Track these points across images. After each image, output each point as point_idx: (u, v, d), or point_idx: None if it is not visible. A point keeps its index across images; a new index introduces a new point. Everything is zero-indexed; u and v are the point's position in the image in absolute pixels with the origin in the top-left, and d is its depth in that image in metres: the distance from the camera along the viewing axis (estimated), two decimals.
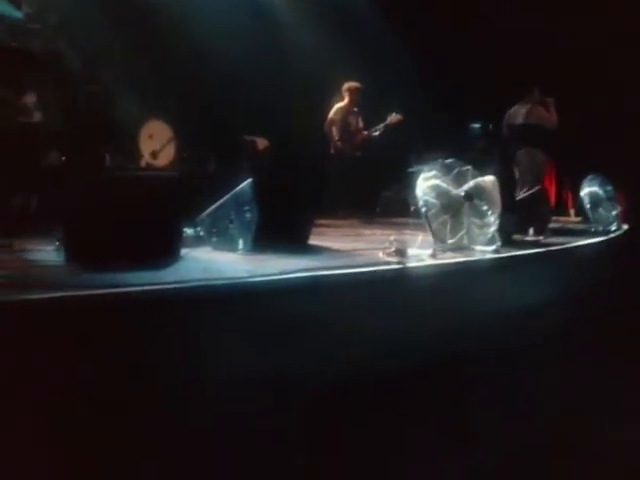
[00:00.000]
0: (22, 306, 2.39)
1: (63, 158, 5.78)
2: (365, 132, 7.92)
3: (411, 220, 5.73)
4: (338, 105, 7.93)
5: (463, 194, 4.48)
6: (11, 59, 2.82)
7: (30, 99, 4.88)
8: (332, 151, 7.97)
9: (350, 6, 8.63)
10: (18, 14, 3.06)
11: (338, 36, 8.19)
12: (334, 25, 8.37)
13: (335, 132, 7.89)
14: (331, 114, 7.91)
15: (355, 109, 7.94)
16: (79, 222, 3.47)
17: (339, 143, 7.88)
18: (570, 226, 7.71)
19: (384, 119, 7.83)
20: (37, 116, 5.04)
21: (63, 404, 2.10)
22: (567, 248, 5.48)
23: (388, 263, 3.77)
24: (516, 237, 5.53)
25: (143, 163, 6.80)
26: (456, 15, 8.48)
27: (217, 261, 3.75)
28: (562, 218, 8.80)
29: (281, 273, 3.12)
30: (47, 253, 3.69)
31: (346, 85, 7.86)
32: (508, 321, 3.69)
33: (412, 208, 6.00)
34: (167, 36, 6.95)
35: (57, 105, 5.65)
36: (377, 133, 7.88)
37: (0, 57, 2.77)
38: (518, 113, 7.77)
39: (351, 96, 7.84)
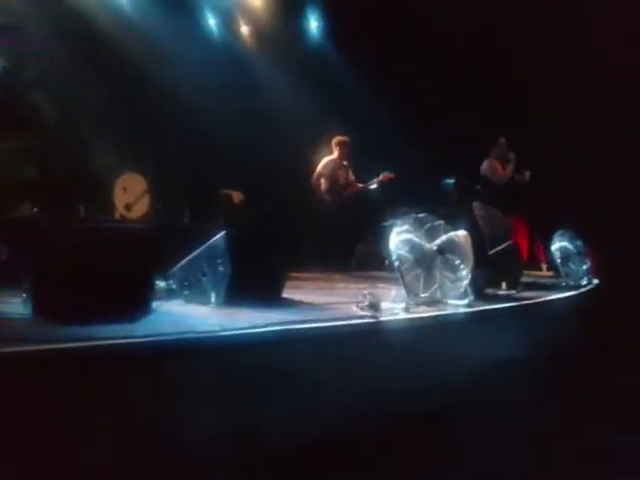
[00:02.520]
0: None
1: (35, 209, 5.75)
2: (360, 185, 8.00)
3: (385, 274, 5.76)
4: (327, 158, 8.00)
5: (436, 248, 4.52)
6: None
7: None
8: (319, 204, 7.99)
9: (331, 60, 8.89)
10: None
11: (316, 91, 8.39)
12: (312, 81, 8.59)
13: (323, 185, 7.94)
14: (319, 167, 7.98)
15: (344, 162, 8.03)
16: (48, 273, 3.42)
17: (326, 196, 7.93)
18: (542, 280, 7.79)
19: (373, 174, 7.97)
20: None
21: (25, 463, 2.02)
22: (539, 302, 5.53)
23: (361, 317, 3.75)
24: (489, 291, 5.57)
25: (117, 215, 6.78)
26: (433, 70, 8.71)
27: (188, 314, 3.71)
28: (534, 272, 8.90)
29: (252, 327, 3.09)
30: (13, 305, 3.62)
31: (335, 139, 7.97)
32: (480, 375, 3.67)
33: (386, 262, 6.03)
34: (144, 90, 7.05)
35: (31, 156, 5.65)
36: (373, 187, 7.98)
37: None
38: (483, 167, 7.94)
39: (341, 150, 7.94)
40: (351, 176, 8.06)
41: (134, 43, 7.03)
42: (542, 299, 5.71)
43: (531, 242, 10.01)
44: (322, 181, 7.93)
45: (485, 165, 7.83)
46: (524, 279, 6.93)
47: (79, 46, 6.44)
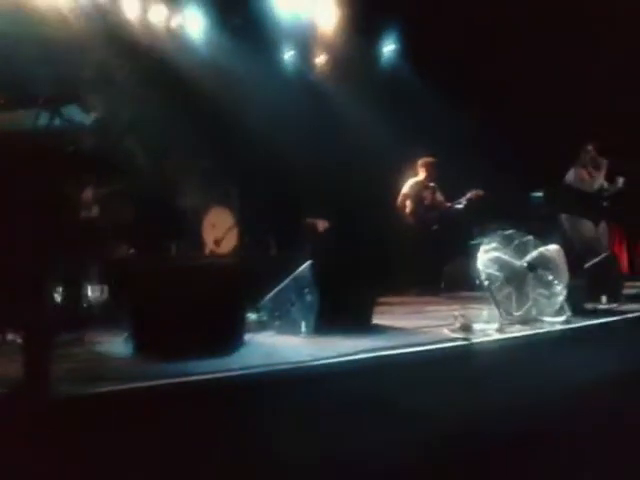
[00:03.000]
0: (92, 399, 2.45)
1: (131, 250, 6.04)
2: (448, 204, 7.91)
3: (476, 293, 5.62)
4: (413, 180, 7.97)
5: (526, 265, 4.39)
6: (74, 161, 3.04)
7: (86, 195, 5.20)
8: (405, 227, 7.94)
9: (408, 84, 8.90)
10: (88, 120, 3.30)
11: (398, 114, 8.39)
12: (393, 102, 8.61)
13: (409, 206, 7.90)
14: (405, 189, 7.95)
15: (431, 184, 7.97)
16: (146, 313, 3.58)
17: (411, 218, 7.88)
18: None
19: (461, 194, 7.86)
20: (94, 211, 5.35)
21: None
22: None
23: (453, 340, 3.69)
24: (588, 306, 5.32)
25: (207, 251, 7.00)
26: (513, 83, 8.53)
27: (280, 345, 3.76)
28: (637, 283, 8.43)
29: (343, 355, 3.10)
30: (116, 345, 3.80)
31: (421, 161, 7.95)
32: (583, 397, 3.50)
33: (477, 281, 5.90)
34: (226, 126, 7.29)
35: (126, 200, 5.96)
36: (460, 206, 7.88)
37: (65, 160, 2.98)
38: (569, 176, 7.62)
39: (427, 171, 7.91)
40: (439, 197, 7.98)
41: (214, 81, 7.31)
42: None
43: (631, 252, 9.50)
44: (407, 202, 7.90)
45: (571, 174, 7.52)
46: (626, 291, 6.59)
47: (162, 90, 6.78)
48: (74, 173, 3.37)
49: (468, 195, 7.82)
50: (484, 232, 6.36)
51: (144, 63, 6.80)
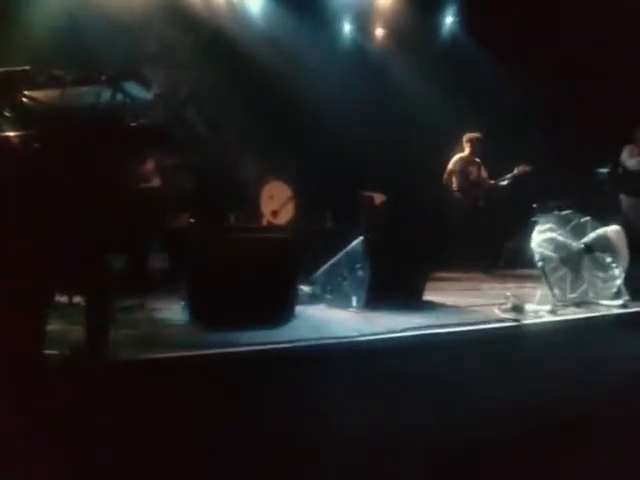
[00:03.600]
0: (147, 364, 2.59)
1: (192, 220, 6.21)
2: (491, 182, 7.81)
3: (535, 272, 5.54)
4: (458, 155, 7.89)
5: (583, 246, 4.30)
6: (136, 135, 3.16)
7: (149, 166, 5.35)
8: (451, 202, 7.89)
9: (468, 56, 8.71)
10: (149, 95, 3.39)
11: (457, 86, 8.24)
12: (452, 75, 8.46)
13: (455, 182, 7.84)
14: (450, 165, 7.89)
15: (476, 159, 7.87)
16: (203, 282, 3.71)
17: (458, 193, 7.83)
18: None
19: (510, 169, 7.71)
20: (156, 181, 5.51)
21: (182, 462, 2.22)
22: None
23: (503, 320, 3.67)
24: None
25: (264, 222, 7.11)
26: (580, 58, 8.21)
27: (329, 319, 3.83)
28: None
29: (390, 332, 3.15)
30: (174, 312, 3.96)
31: (466, 136, 7.84)
32: (637, 383, 3.44)
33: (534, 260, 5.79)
34: (284, 99, 7.32)
35: (187, 171, 6.12)
36: (504, 183, 7.75)
37: (126, 134, 3.09)
38: (623, 155, 7.20)
39: (471, 146, 7.80)
40: (483, 173, 7.85)
41: (271, 54, 7.34)
42: None
43: None
44: (453, 178, 7.83)
45: (624, 152, 7.10)
46: None
47: (220, 63, 6.86)
48: (135, 147, 3.49)
49: (515, 172, 7.65)
50: (544, 209, 6.23)
51: (204, 36, 6.89)
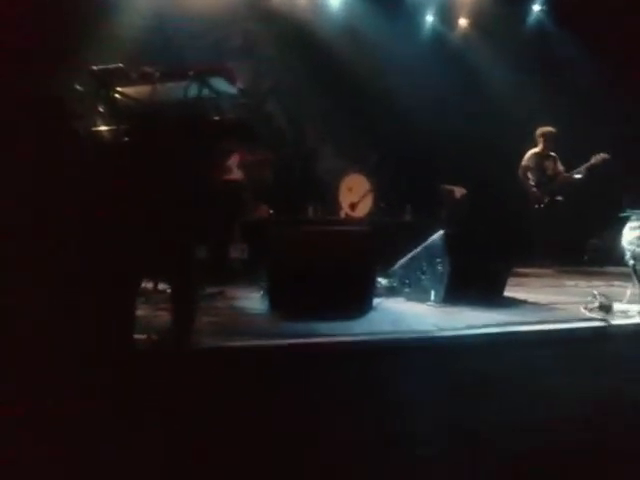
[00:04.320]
0: (228, 352, 2.66)
1: (271, 211, 6.32)
2: (566, 175, 7.57)
3: (623, 270, 5.30)
4: (532, 151, 7.69)
5: None
6: (220, 128, 3.25)
7: (233, 160, 5.48)
8: (529, 197, 7.69)
9: (554, 48, 8.42)
10: (233, 90, 3.48)
11: (541, 78, 8.00)
12: (537, 67, 8.20)
13: (531, 178, 7.65)
14: (524, 160, 7.69)
15: (552, 153, 7.64)
16: (282, 272, 3.78)
17: (535, 189, 7.62)
18: None
19: (587, 160, 7.43)
20: (237, 174, 5.63)
21: (255, 449, 2.27)
22: None
23: (589, 319, 3.54)
24: None
25: (342, 214, 7.14)
26: None
27: (407, 313, 3.81)
28: None
29: (469, 327, 3.10)
30: (253, 301, 4.05)
31: (539, 130, 7.62)
32: None
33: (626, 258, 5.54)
34: (364, 92, 7.31)
35: (267, 163, 6.23)
36: (579, 176, 7.47)
37: (212, 128, 3.19)
38: None
39: (545, 141, 7.59)
40: (560, 167, 7.60)
41: (354, 49, 7.35)
42: None
43: None
44: (529, 174, 7.62)
45: None
46: None
47: (302, 56, 6.92)
48: (220, 140, 3.58)
49: (592, 161, 7.33)
50: (634, 204, 5.94)
51: (285, 31, 6.96)
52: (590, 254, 8.13)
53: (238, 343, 2.74)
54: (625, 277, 4.80)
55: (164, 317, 2.99)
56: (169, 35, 5.98)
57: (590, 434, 2.45)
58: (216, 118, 3.30)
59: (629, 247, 4.20)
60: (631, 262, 4.14)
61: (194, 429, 2.21)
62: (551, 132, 7.56)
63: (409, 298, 4.34)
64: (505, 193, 7.59)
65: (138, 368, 2.33)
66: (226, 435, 2.23)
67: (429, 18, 8.61)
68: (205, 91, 3.16)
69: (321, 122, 7.06)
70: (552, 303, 4.32)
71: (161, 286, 3.89)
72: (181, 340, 2.65)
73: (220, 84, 3.28)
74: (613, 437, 2.44)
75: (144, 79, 3.12)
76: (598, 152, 7.34)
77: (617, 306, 3.82)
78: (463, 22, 8.75)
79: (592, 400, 2.73)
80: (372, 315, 3.62)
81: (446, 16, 8.65)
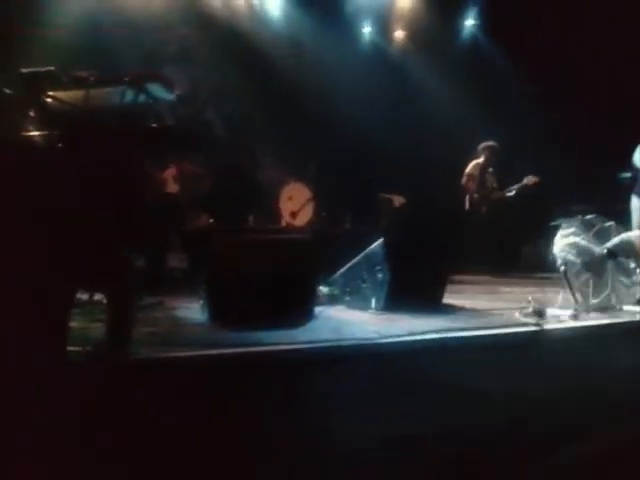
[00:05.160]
0: (164, 363, 2.60)
1: (211, 220, 6.24)
2: (500, 192, 7.84)
3: (554, 276, 5.48)
4: (476, 161, 7.91)
5: (606, 251, 4.24)
6: (157, 136, 3.18)
7: (170, 172, 5.41)
8: (469, 206, 7.90)
9: (487, 60, 8.67)
10: (170, 96, 3.42)
11: (475, 90, 8.21)
12: (470, 79, 8.42)
13: (472, 188, 7.86)
14: (469, 169, 7.90)
15: (490, 168, 7.89)
16: (221, 281, 3.72)
17: (476, 197, 7.83)
18: None
19: (520, 180, 7.71)
20: (173, 187, 5.56)
21: (193, 461, 2.22)
22: None
23: (524, 324, 3.64)
24: None
25: (283, 223, 7.13)
26: (595, 62, 8.11)
27: (348, 321, 3.82)
28: None
29: (410, 334, 3.13)
30: (193, 311, 3.98)
31: (483, 144, 7.85)
32: None
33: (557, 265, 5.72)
34: (303, 101, 7.34)
35: (203, 173, 6.16)
36: (511, 194, 7.76)
37: (148, 135, 3.12)
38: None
39: (488, 155, 7.82)
40: (495, 183, 7.90)
41: (292, 57, 7.38)
42: None
43: None
44: (471, 184, 7.85)
45: (636, 152, 6.68)
46: None
47: (240, 64, 6.88)
48: (157, 148, 3.52)
49: (523, 182, 7.64)
50: (565, 214, 6.15)
51: (223, 37, 6.91)
52: (524, 261, 8.39)
53: (177, 353, 2.68)
54: (557, 283, 4.97)
55: (100, 328, 2.89)
56: (104, 40, 5.85)
57: (525, 436, 2.50)
58: (153, 125, 3.23)
59: (560, 254, 4.35)
60: (562, 268, 4.28)
61: (130, 440, 2.14)
62: (494, 146, 7.79)
63: (350, 306, 4.36)
64: (440, 202, 7.75)
65: (72, 380, 2.24)
66: (164, 446, 2.17)
67: (367, 29, 8.73)
68: (141, 97, 3.09)
69: (262, 131, 7.04)
70: (489, 309, 4.42)
71: (97, 297, 3.79)
72: (117, 351, 2.57)
73: (157, 90, 3.22)
74: (545, 437, 2.49)
75: (77, 83, 3.02)
76: (530, 174, 7.62)
77: (550, 311, 3.94)
78: (400, 34, 8.91)
79: (527, 401, 2.79)
80: (313, 323, 3.61)
81: (383, 28, 8.79)
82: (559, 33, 7.83)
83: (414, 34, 8.78)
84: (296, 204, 7.25)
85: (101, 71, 3.13)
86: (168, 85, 3.31)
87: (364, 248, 4.44)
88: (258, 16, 7.59)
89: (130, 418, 2.21)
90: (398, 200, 7.97)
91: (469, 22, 9.13)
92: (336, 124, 7.35)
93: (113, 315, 2.73)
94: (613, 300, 4.31)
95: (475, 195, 7.83)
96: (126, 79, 3.02)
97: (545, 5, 7.75)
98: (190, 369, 2.56)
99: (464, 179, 7.90)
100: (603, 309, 4.20)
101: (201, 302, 3.98)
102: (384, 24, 8.76)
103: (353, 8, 8.21)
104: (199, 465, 2.24)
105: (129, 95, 3.04)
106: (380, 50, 8.78)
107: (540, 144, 8.03)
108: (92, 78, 2.99)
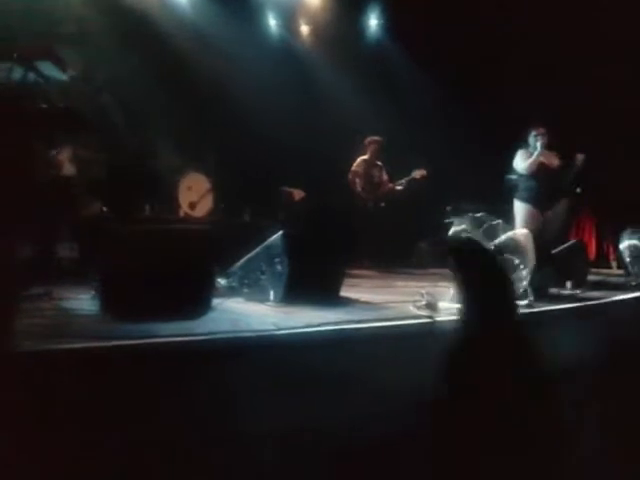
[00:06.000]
0: (54, 355, 2.47)
1: (104, 209, 6.00)
2: (390, 185, 8.06)
3: (447, 272, 5.68)
4: (361, 158, 8.10)
5: (493, 248, 4.46)
6: (48, 118, 3.00)
7: (65, 154, 5.14)
8: (355, 202, 8.06)
9: (388, 59, 8.88)
10: (63, 76, 3.24)
11: (375, 89, 8.38)
12: (372, 76, 8.59)
13: (358, 184, 8.03)
14: (354, 166, 8.08)
15: (378, 162, 8.09)
16: (114, 272, 3.58)
17: (362, 194, 8.01)
18: (610, 279, 7.54)
19: (408, 174, 7.98)
20: (69, 169, 5.29)
21: (86, 455, 2.14)
22: (604, 302, 5.35)
23: (418, 317, 3.75)
24: (552, 291, 5.44)
25: (181, 214, 6.98)
26: (488, 63, 8.52)
27: (246, 313, 3.80)
28: (604, 270, 8.62)
29: (307, 326, 3.15)
30: (83, 302, 3.81)
31: (368, 139, 8.05)
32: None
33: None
34: (205, 91, 7.21)
35: (98, 158, 5.90)
36: (400, 187, 8.02)
37: (38, 116, 2.94)
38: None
39: (373, 149, 8.02)
40: (384, 175, 8.13)
41: (194, 44, 7.23)
42: (608, 299, 5.53)
43: (599, 240, 9.68)
44: (357, 180, 8.03)
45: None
46: (591, 278, 6.73)
47: (141, 50, 6.66)
48: (47, 130, 3.33)
49: (411, 175, 7.95)
50: (457, 212, 6.40)
51: (125, 22, 6.66)
52: (417, 257, 8.68)
53: (65, 346, 2.54)
54: (449, 278, 5.16)
55: None
56: None
57: (421, 425, 2.58)
58: (43, 105, 3.05)
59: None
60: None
61: (18, 436, 2.02)
62: (378, 141, 8.00)
63: (248, 298, 4.34)
64: (336, 197, 7.89)
65: None
66: (52, 441, 2.07)
67: (273, 21, 8.70)
68: (31, 76, 2.91)
69: (160, 119, 6.83)
70: (384, 302, 4.54)
71: None
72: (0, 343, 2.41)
73: (49, 69, 3.04)
74: (437, 424, 2.58)
75: None
76: (419, 167, 7.90)
77: (442, 304, 4.09)
78: (305, 29, 8.95)
79: (422, 392, 2.88)
80: (211, 315, 3.55)
81: (289, 21, 8.79)
82: (463, 36, 8.16)
83: (318, 29, 8.84)
84: (195, 195, 7.12)
85: None
86: (61, 65, 3.15)
87: (263, 241, 4.43)
88: (163, 2, 7.36)
89: (12, 413, 2.08)
90: (298, 194, 8.01)
91: (373, 21, 9.31)
92: (238, 116, 7.28)
93: None
94: None
95: (360, 190, 8.00)
96: (14, 55, 2.83)
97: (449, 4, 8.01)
98: (79, 362, 2.44)
99: (349, 176, 8.06)
100: None
101: (92, 293, 3.82)
102: (290, 17, 8.77)
103: None
104: (89, 463, 2.16)
105: (17, 72, 2.85)
106: (285, 44, 8.78)
107: (438, 142, 8.31)
108: None
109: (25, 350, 2.41)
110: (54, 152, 4.81)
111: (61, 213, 4.86)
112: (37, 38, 5.07)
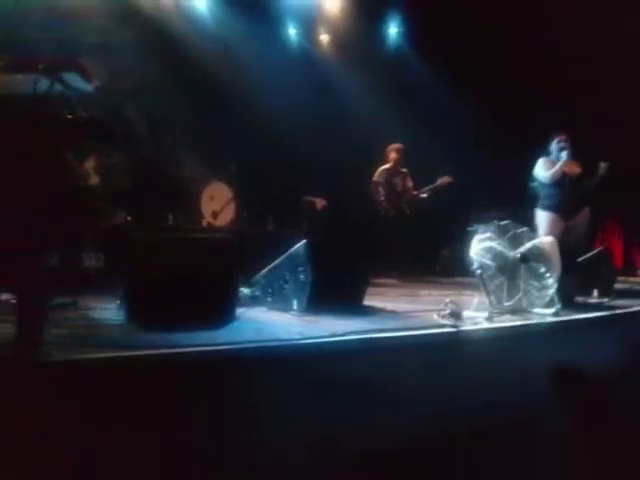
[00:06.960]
0: (81, 365, 2.48)
1: (129, 218, 6.05)
2: (414, 192, 7.97)
3: (471, 280, 5.64)
4: (382, 167, 8.01)
5: (519, 256, 4.41)
6: (73, 128, 3.03)
7: (89, 164, 5.20)
8: (377, 211, 7.99)
9: (408, 68, 8.86)
10: (88, 87, 3.28)
11: (395, 98, 8.36)
12: (392, 88, 8.58)
13: (381, 193, 7.94)
14: (375, 177, 7.99)
15: (402, 170, 8.00)
16: (139, 281, 3.60)
17: (385, 203, 7.92)
18: (637, 287, 7.40)
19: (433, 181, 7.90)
20: (94, 179, 5.36)
21: (116, 463, 2.14)
22: (632, 311, 5.26)
23: (442, 326, 3.72)
24: (579, 300, 5.36)
25: (204, 223, 7.01)
26: (514, 70, 8.46)
27: (270, 322, 3.79)
28: (631, 278, 8.47)
29: (332, 335, 3.13)
30: (109, 311, 3.84)
31: (390, 147, 7.96)
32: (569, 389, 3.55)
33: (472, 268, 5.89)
34: (228, 101, 7.26)
35: (125, 168, 5.97)
36: (424, 195, 7.92)
37: (65, 127, 2.97)
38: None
39: (395, 157, 7.93)
40: (409, 183, 8.01)
41: (217, 56, 7.30)
42: (636, 308, 5.43)
43: (627, 247, 9.53)
44: (380, 189, 7.93)
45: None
46: (618, 286, 6.62)
47: (165, 60, 6.74)
48: (72, 141, 3.36)
49: (437, 183, 7.83)
50: (482, 219, 6.34)
51: (147, 32, 6.74)
52: (441, 265, 8.61)
53: (91, 355, 2.56)
54: (473, 286, 5.13)
55: (8, 329, 2.73)
56: (20, 25, 5.56)
57: (445, 434, 2.55)
58: (69, 116, 3.08)
59: (476, 258, 4.48)
60: (478, 272, 4.41)
61: (46, 445, 2.03)
62: (399, 148, 7.91)
63: (272, 307, 4.33)
64: (359, 206, 7.85)
65: None
66: (79, 449, 2.07)
67: (293, 31, 8.74)
68: (57, 86, 2.94)
69: (184, 129, 6.91)
70: (408, 311, 4.50)
71: (4, 296, 3.59)
72: (27, 353, 2.44)
73: (74, 80, 3.07)
74: (467, 435, 2.56)
75: None
76: (444, 175, 7.81)
77: (466, 313, 4.05)
78: (324, 38, 8.97)
79: (445, 400, 2.85)
80: (235, 325, 3.55)
81: (309, 30, 8.83)
82: (484, 44, 8.11)
83: (338, 38, 8.87)
84: (218, 204, 7.16)
85: (13, 56, 2.96)
86: (86, 76, 3.18)
87: (286, 250, 4.43)
88: (184, 13, 7.45)
89: (41, 423, 2.10)
90: (320, 203, 8.01)
91: (393, 29, 9.30)
92: (261, 125, 7.32)
93: (22, 315, 2.59)
94: (525, 303, 4.48)
95: (383, 202, 7.91)
96: (40, 66, 2.87)
97: (468, 12, 7.97)
98: (106, 371, 2.45)
99: (371, 187, 7.99)
100: (515, 311, 4.36)
101: (117, 303, 3.84)
102: (310, 27, 8.81)
103: (280, 8, 8.20)
104: (116, 468, 2.16)
105: (43, 83, 2.88)
106: (305, 53, 8.82)
107: (460, 150, 8.25)
108: (2, 63, 2.83)
109: (51, 360, 2.42)
110: (80, 162, 4.87)
111: (87, 223, 4.91)
112: (61, 49, 5.17)
